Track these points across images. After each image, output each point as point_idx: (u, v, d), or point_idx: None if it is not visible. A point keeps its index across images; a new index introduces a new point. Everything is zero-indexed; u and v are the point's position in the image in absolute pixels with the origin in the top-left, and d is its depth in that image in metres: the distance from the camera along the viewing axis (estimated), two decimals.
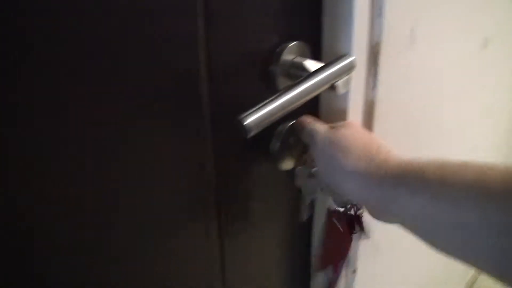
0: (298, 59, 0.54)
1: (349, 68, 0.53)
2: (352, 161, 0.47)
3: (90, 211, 0.42)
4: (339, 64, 0.52)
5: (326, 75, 0.50)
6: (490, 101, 1.16)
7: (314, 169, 0.60)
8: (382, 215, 0.46)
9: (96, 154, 0.41)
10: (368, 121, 0.67)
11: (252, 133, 0.44)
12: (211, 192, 0.55)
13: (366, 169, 0.46)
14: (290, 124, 0.59)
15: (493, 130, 1.30)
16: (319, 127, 0.53)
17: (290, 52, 0.55)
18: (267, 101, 0.47)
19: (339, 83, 0.52)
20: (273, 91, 0.52)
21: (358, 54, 0.59)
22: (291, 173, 0.63)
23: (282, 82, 0.55)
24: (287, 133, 0.59)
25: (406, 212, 0.42)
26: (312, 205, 0.67)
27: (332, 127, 0.53)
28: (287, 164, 0.62)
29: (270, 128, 0.56)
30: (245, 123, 0.44)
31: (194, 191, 0.53)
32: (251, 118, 0.44)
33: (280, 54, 0.54)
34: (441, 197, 0.39)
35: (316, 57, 0.59)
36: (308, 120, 0.55)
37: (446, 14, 0.82)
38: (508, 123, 1.41)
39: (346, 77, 0.53)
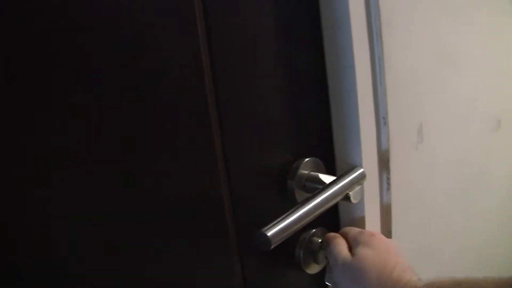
0: (313, 173, 0.61)
1: (360, 178, 0.59)
2: (367, 285, 0.53)
3: None
4: (350, 176, 0.58)
5: (338, 188, 0.56)
6: (506, 186, 1.17)
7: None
8: None
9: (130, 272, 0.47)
10: (386, 224, 0.71)
11: (273, 245, 0.49)
12: None
13: None
14: (312, 231, 0.64)
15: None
16: (338, 250, 0.58)
17: (306, 167, 0.61)
18: (286, 214, 0.52)
19: (351, 193, 0.57)
20: (292, 203, 0.58)
21: (368, 163, 0.65)
22: (317, 275, 0.67)
23: (299, 194, 0.60)
24: (310, 241, 0.64)
25: None
26: None
27: (350, 249, 0.58)
28: (312, 269, 0.66)
29: (294, 236, 0.61)
30: (267, 235, 0.50)
31: None
32: (273, 231, 0.50)
33: (296, 169, 0.60)
34: None
35: (330, 170, 0.65)
36: (332, 239, 0.60)
37: (453, 103, 0.88)
38: None
39: (358, 187, 0.59)
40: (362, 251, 0.56)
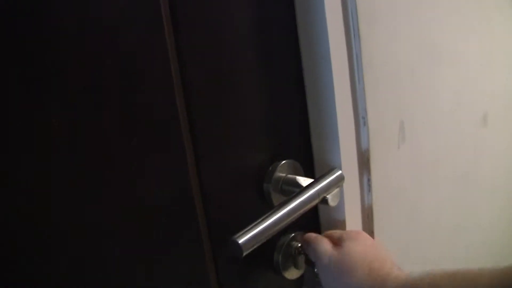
0: (290, 176, 0.59)
1: (338, 181, 0.57)
2: (356, 280, 0.51)
3: None
4: (327, 178, 0.56)
5: (314, 191, 0.54)
6: (492, 183, 1.15)
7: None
8: None
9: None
10: (368, 226, 0.69)
11: (245, 253, 0.47)
12: None
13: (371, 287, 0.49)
14: (291, 236, 0.62)
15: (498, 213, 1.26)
16: (323, 246, 0.56)
17: (283, 169, 0.59)
18: (260, 219, 0.50)
19: (329, 196, 0.55)
20: (269, 207, 0.56)
21: (348, 164, 0.63)
22: (297, 281, 0.65)
23: (276, 197, 0.58)
24: (289, 245, 0.62)
25: None
26: None
27: (336, 245, 0.56)
28: (292, 274, 0.64)
29: (272, 240, 0.59)
30: (239, 242, 0.47)
31: None
32: (245, 238, 0.48)
33: (273, 172, 0.58)
34: None
35: (309, 172, 0.63)
36: (312, 238, 0.58)
37: (437, 99, 0.86)
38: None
39: (336, 190, 0.57)
40: (349, 246, 0.54)
